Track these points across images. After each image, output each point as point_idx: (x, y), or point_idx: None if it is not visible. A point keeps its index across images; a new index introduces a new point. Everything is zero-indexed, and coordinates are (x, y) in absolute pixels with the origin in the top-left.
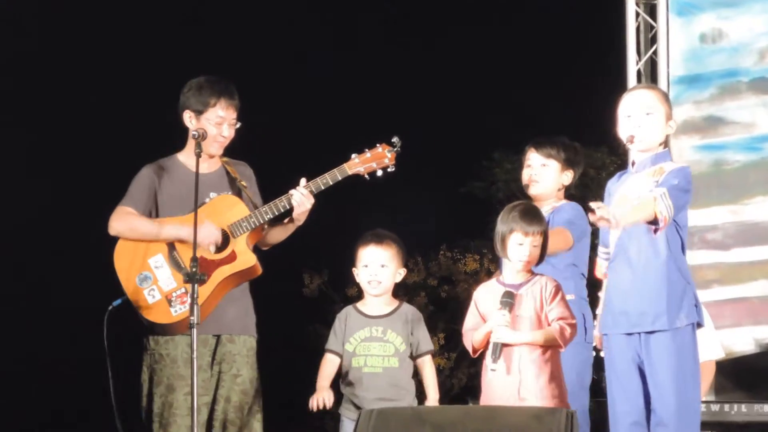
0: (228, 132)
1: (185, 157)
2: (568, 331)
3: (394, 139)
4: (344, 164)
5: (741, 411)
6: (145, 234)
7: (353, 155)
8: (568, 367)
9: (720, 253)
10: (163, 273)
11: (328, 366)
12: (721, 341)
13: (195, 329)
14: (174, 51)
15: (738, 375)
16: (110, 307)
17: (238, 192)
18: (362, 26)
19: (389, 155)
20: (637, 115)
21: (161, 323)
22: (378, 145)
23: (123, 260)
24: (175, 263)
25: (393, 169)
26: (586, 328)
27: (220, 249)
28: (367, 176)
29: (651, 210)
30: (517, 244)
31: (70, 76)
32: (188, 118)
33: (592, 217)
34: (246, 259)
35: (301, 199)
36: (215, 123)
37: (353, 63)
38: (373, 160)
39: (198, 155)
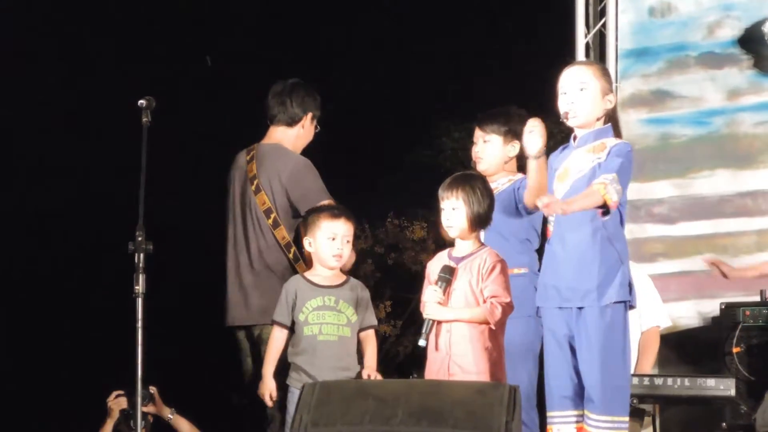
0: None
1: None
2: (498, 310)
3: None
4: None
5: (684, 385)
6: None
7: None
8: (517, 339)
9: (666, 226)
10: None
11: (276, 343)
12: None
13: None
14: None
15: (682, 348)
16: None
17: None
18: None
19: None
20: (571, 91)
21: None
22: None
23: None
24: None
25: None
26: None
27: None
28: None
29: (599, 197)
30: (441, 209)
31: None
32: (310, 121)
33: (540, 204)
34: None
35: None
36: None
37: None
38: None
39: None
